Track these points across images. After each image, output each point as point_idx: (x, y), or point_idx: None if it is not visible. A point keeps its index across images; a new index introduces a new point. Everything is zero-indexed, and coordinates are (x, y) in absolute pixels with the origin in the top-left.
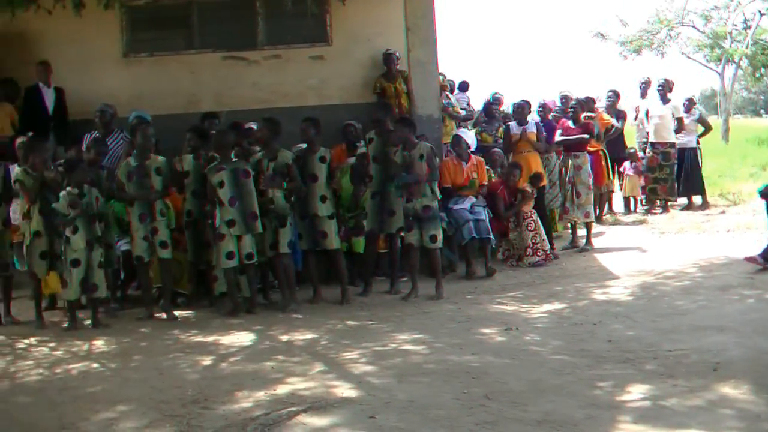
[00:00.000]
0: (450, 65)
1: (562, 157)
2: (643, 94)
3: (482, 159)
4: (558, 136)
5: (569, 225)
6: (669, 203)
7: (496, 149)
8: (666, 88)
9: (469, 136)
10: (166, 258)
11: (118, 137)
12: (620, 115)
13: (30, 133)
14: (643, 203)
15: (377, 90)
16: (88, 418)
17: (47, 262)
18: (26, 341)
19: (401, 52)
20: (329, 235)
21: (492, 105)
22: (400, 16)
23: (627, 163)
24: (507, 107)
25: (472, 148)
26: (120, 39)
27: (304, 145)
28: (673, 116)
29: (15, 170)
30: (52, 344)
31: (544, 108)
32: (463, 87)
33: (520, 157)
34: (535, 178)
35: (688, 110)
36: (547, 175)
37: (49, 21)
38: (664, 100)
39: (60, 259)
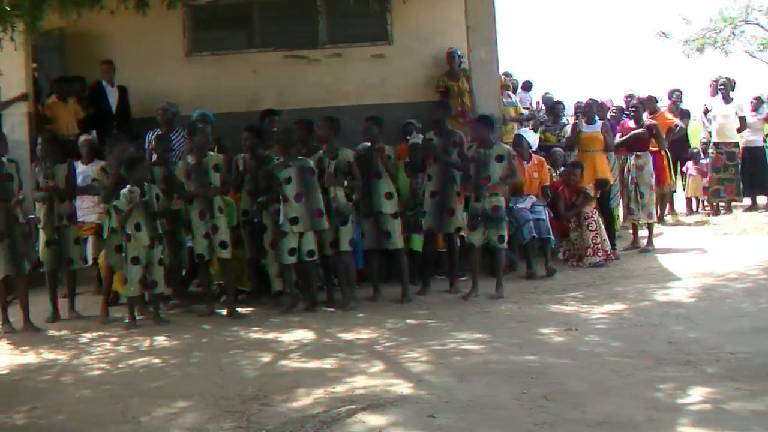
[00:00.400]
0: (512, 64)
1: (623, 157)
2: (713, 93)
3: (544, 159)
4: (619, 137)
5: (631, 225)
6: (732, 204)
7: (557, 148)
8: (728, 86)
9: (531, 135)
10: (225, 258)
11: (180, 135)
12: (684, 115)
13: (93, 131)
14: (704, 204)
15: (440, 88)
16: (150, 412)
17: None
18: (90, 336)
19: (462, 50)
20: (393, 234)
21: (556, 105)
22: (461, 15)
23: (689, 163)
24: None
25: (533, 148)
26: (183, 38)
27: (368, 144)
28: (736, 115)
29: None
30: (114, 339)
31: (601, 107)
32: (527, 86)
33: (585, 156)
34: (601, 183)
35: (755, 109)
36: None
37: (114, 20)
38: (727, 99)
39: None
